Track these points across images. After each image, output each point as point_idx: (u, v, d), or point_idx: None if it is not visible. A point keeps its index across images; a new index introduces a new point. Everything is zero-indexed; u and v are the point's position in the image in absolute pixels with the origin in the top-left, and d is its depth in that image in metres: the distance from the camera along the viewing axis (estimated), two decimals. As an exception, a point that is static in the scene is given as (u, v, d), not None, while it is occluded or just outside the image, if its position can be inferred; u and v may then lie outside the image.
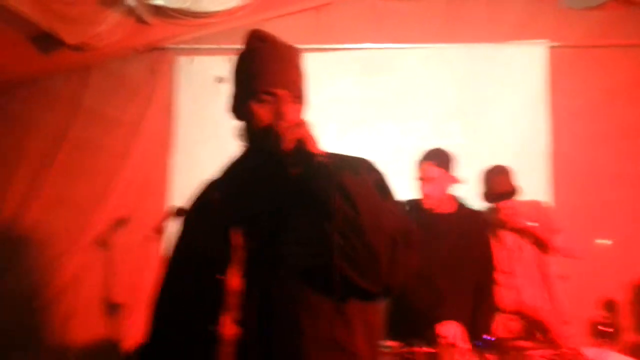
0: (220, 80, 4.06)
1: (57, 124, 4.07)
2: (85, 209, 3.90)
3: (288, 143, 1.21)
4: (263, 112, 1.33)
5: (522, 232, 2.99)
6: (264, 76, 1.34)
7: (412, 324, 2.41)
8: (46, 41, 3.84)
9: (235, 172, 1.45)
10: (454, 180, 2.74)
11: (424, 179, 2.69)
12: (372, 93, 3.97)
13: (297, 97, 1.37)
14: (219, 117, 3.94)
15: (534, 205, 3.13)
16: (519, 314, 2.96)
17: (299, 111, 1.37)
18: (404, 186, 2.78)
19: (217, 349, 1.21)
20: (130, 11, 3.71)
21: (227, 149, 4.20)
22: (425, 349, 2.18)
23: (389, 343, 2.27)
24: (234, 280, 1.24)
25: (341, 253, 1.15)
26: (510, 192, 3.04)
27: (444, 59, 3.97)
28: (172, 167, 4.01)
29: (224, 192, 1.41)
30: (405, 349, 2.18)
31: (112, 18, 3.69)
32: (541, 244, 2.98)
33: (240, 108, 1.41)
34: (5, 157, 4.09)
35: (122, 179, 3.93)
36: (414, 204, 2.73)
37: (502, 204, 3.00)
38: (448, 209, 2.74)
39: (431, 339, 2.31)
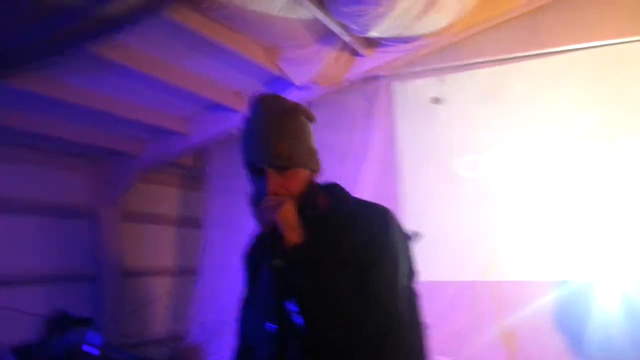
0: (435, 100, 4.06)
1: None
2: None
3: (264, 226, 1.36)
4: (259, 186, 1.43)
5: None
6: (251, 152, 1.43)
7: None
8: (277, 84, 4.29)
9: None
10: None
11: None
12: (609, 95, 3.56)
13: (285, 167, 1.41)
14: (438, 138, 4.01)
15: None
16: None
17: (291, 179, 1.42)
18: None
19: None
20: (345, 46, 3.94)
21: (448, 168, 4.20)
22: None
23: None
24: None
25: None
26: None
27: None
28: (398, 190, 4.08)
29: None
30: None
31: (331, 55, 3.97)
32: None
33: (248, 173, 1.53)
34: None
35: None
36: None
37: None
38: None
39: None
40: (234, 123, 4.62)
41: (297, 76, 3.95)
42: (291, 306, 1.31)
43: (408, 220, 3.88)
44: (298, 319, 1.28)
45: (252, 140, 1.42)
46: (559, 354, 3.42)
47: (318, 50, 3.92)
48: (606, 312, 3.29)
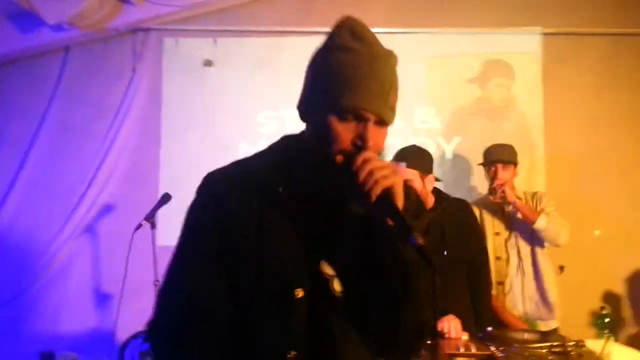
0: (207, 63, 3.94)
1: (38, 106, 3.91)
2: (70, 195, 3.76)
3: (373, 191, 1.04)
4: (345, 133, 1.09)
5: (509, 206, 2.98)
6: (359, 93, 1.08)
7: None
8: (26, 20, 3.69)
9: (293, 173, 1.18)
10: (430, 179, 2.65)
11: None
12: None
13: (388, 122, 1.13)
14: (207, 102, 3.89)
15: (527, 192, 3.14)
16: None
17: (384, 136, 1.15)
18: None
19: None
20: (112, -11, 3.59)
21: (215, 134, 4.10)
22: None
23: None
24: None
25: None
26: (507, 160, 2.99)
27: (437, 44, 3.89)
28: (161, 153, 3.88)
29: (291, 193, 1.16)
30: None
31: (94, -3, 3.56)
32: (528, 225, 2.94)
33: (313, 112, 1.17)
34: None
35: (108, 164, 3.79)
36: None
37: (500, 170, 2.95)
38: (427, 205, 2.64)
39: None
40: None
41: (50, 14, 3.44)
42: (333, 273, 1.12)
43: (165, 184, 3.69)
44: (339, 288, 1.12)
45: (360, 79, 1.08)
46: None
47: (78, -12, 3.48)
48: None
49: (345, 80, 1.09)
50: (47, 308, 3.73)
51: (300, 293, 1.11)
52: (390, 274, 1.08)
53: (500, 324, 2.86)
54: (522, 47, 3.87)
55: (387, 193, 1.04)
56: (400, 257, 1.06)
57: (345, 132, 1.09)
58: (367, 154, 1.06)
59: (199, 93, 3.91)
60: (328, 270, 1.12)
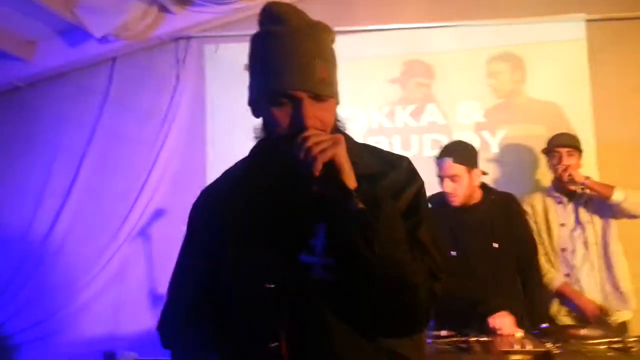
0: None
1: (89, 116, 4.06)
2: (122, 201, 3.89)
3: (314, 166, 1.02)
4: (283, 118, 1.12)
5: (579, 187, 2.92)
6: (280, 75, 1.10)
7: (463, 314, 2.34)
8: (74, 34, 3.83)
9: (261, 171, 1.25)
10: (477, 173, 2.64)
11: (444, 177, 2.61)
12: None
13: (326, 95, 1.12)
14: (249, 106, 3.94)
15: None
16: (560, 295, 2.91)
17: (329, 110, 1.14)
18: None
19: None
20: (154, 0, 3.68)
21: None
22: (479, 338, 2.11)
23: (442, 332, 2.22)
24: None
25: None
26: (572, 145, 2.98)
27: (478, 36, 3.83)
28: (207, 157, 3.95)
29: (252, 197, 1.22)
30: (458, 338, 2.12)
31: (136, 8, 3.67)
32: (603, 203, 2.87)
33: (257, 106, 1.21)
34: (40, 153, 4.12)
35: (157, 170, 3.90)
36: (440, 199, 2.64)
37: (565, 156, 2.93)
38: (475, 199, 2.66)
39: (484, 327, 2.26)
40: (21, 73, 4.04)
41: (97, 27, 3.56)
42: (312, 259, 1.11)
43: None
44: (322, 274, 1.10)
45: (280, 60, 1.11)
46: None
47: (122, 1, 3.59)
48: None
49: (268, 66, 1.12)
50: (106, 310, 3.87)
51: (272, 286, 1.12)
52: (352, 241, 1.03)
53: (575, 308, 2.86)
54: (567, 35, 3.75)
55: (331, 167, 1.03)
56: (353, 221, 1.02)
57: (283, 117, 1.11)
58: (305, 133, 1.06)
59: (241, 97, 3.94)
60: (309, 259, 1.12)
